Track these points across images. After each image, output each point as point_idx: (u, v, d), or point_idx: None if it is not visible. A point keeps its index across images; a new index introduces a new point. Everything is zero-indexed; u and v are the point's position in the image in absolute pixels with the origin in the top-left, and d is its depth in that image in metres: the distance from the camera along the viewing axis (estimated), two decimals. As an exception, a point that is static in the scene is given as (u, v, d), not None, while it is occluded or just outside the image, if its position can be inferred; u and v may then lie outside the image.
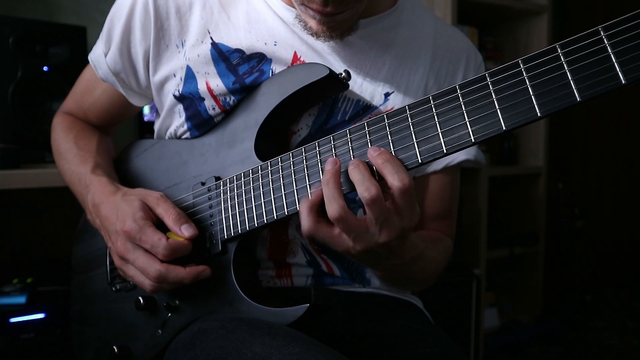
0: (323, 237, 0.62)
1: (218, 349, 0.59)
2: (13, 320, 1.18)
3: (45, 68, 1.37)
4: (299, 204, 0.65)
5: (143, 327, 0.79)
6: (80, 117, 0.97)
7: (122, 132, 1.68)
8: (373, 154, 0.58)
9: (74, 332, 0.93)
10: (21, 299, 1.21)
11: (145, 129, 1.64)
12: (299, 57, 0.77)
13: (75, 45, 1.42)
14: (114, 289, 0.84)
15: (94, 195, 0.78)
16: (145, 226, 0.69)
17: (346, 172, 0.60)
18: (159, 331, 0.76)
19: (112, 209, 0.73)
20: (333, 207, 0.58)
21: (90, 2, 1.73)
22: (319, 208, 0.62)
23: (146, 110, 1.66)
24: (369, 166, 0.59)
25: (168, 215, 0.71)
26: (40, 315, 1.21)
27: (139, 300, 0.76)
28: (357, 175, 0.58)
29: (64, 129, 0.93)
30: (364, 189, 0.57)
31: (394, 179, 0.56)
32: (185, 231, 0.70)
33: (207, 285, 0.72)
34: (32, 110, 1.37)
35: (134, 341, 0.80)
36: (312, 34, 0.73)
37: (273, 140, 0.77)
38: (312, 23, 0.70)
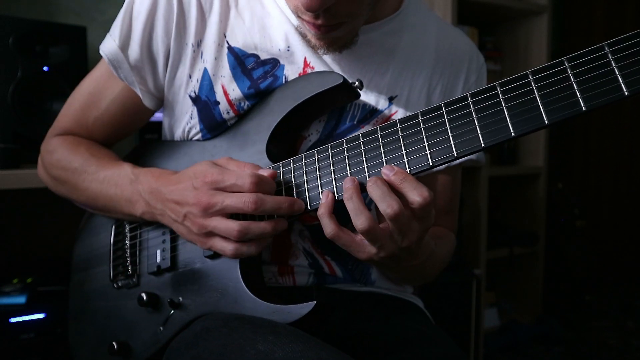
0: (345, 243, 0.63)
1: (221, 347, 0.59)
2: (13, 320, 1.17)
3: (45, 68, 1.37)
4: (309, 205, 0.67)
5: (144, 324, 0.79)
6: (82, 135, 0.89)
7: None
8: (389, 174, 0.59)
9: (71, 330, 0.93)
10: (21, 299, 1.21)
11: (146, 129, 1.64)
12: (308, 62, 0.78)
13: (75, 45, 1.41)
14: (115, 286, 0.84)
15: (149, 183, 0.74)
16: (227, 165, 0.69)
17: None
18: (161, 328, 0.76)
19: (183, 179, 0.70)
20: (361, 220, 0.59)
21: (90, 2, 1.73)
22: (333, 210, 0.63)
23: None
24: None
25: (243, 165, 0.70)
26: (40, 315, 1.20)
27: (142, 296, 0.76)
28: (377, 192, 0.59)
29: (68, 148, 0.86)
30: (387, 206, 0.58)
31: (415, 195, 0.58)
32: (264, 172, 0.68)
33: (212, 283, 0.73)
34: (32, 110, 1.37)
35: (133, 338, 0.80)
36: (311, 47, 0.75)
37: (284, 144, 0.78)
38: (310, 36, 0.72)
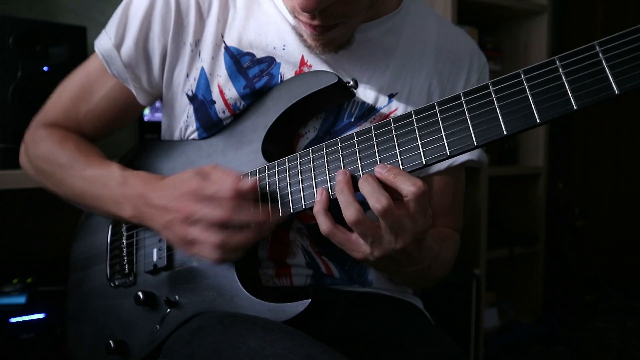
0: (340, 241, 0.63)
1: (214, 344, 0.60)
2: (13, 320, 1.18)
3: (45, 68, 1.37)
4: (304, 203, 0.67)
5: (141, 323, 0.79)
6: (71, 128, 0.88)
7: (121, 132, 1.68)
8: (382, 172, 0.59)
9: (69, 330, 0.93)
10: (21, 299, 1.21)
11: (145, 129, 1.64)
12: (305, 61, 0.78)
13: (75, 45, 1.42)
14: (112, 284, 0.84)
15: (137, 187, 0.74)
16: (210, 174, 0.67)
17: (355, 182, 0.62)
18: (157, 326, 0.77)
19: (167, 186, 0.70)
20: (350, 212, 0.59)
21: (90, 2, 1.73)
22: (329, 208, 0.63)
23: (146, 110, 1.66)
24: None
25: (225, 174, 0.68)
26: (40, 315, 1.21)
27: (139, 295, 0.76)
28: (367, 188, 0.59)
29: (55, 142, 0.84)
30: (375, 200, 0.58)
31: (408, 185, 0.57)
32: (246, 181, 0.67)
33: (208, 281, 0.73)
34: (32, 110, 1.36)
35: (131, 337, 0.80)
36: (307, 47, 0.75)
37: (280, 143, 0.78)
38: (306, 37, 0.72)
